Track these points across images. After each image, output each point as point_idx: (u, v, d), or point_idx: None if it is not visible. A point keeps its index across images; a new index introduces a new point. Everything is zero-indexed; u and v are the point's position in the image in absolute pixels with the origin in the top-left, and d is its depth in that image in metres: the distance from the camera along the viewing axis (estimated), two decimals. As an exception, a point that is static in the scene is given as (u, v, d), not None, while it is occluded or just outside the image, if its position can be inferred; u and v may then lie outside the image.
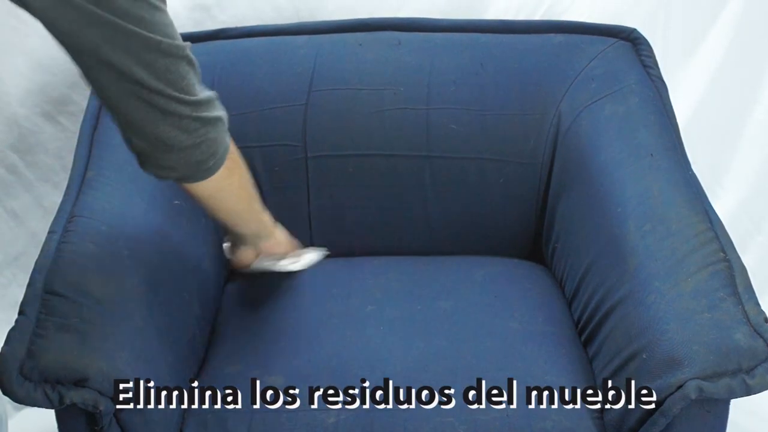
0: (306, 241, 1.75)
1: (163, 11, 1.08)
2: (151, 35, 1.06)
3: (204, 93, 1.15)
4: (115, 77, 1.06)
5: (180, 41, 1.10)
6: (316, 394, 1.36)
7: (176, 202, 1.52)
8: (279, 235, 1.52)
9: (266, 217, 1.47)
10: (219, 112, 1.18)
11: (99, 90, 1.10)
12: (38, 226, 1.93)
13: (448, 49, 1.70)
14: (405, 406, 1.35)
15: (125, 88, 1.07)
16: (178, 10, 1.78)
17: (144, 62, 1.06)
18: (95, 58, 1.05)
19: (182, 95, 1.10)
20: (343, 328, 1.50)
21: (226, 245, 1.54)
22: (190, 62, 1.12)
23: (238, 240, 1.49)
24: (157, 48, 1.06)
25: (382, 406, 1.34)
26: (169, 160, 1.15)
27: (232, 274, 1.73)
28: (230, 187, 1.27)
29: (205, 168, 1.18)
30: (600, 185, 1.50)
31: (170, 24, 1.09)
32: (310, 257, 1.60)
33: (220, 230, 1.66)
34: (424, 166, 1.69)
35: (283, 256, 1.54)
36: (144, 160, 1.16)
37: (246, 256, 1.50)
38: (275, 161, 1.69)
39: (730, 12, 1.87)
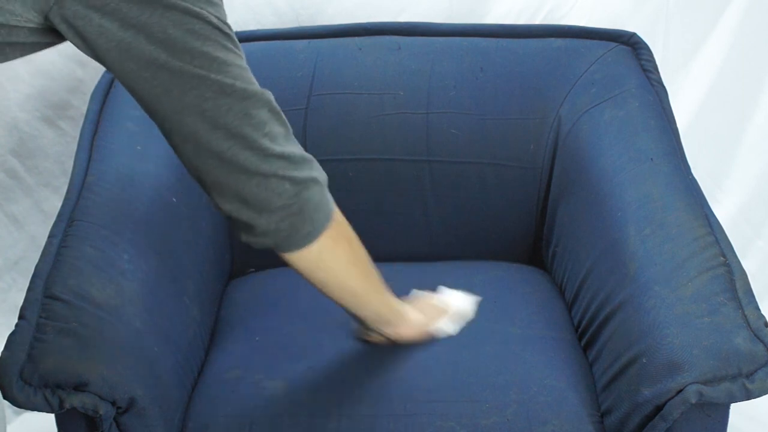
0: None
1: (236, 53, 1.03)
2: (223, 81, 1.01)
3: (296, 148, 1.09)
4: (191, 122, 1.01)
5: (259, 88, 1.05)
6: (317, 400, 1.36)
7: (174, 199, 1.51)
8: (411, 318, 1.39)
9: (390, 300, 1.33)
10: (314, 172, 1.11)
11: (181, 155, 1.06)
12: (38, 230, 1.93)
13: (448, 54, 1.70)
14: (406, 410, 1.34)
15: (203, 139, 1.02)
16: (179, 14, 1.78)
17: (220, 106, 1.01)
18: (165, 104, 1.01)
19: (265, 143, 1.04)
20: (344, 334, 1.50)
21: (356, 326, 1.43)
22: (272, 110, 1.06)
23: (361, 323, 1.37)
24: (233, 92, 1.02)
25: (383, 411, 1.34)
26: (259, 225, 1.08)
27: (231, 279, 1.73)
28: (336, 261, 1.18)
29: (302, 234, 1.11)
30: (600, 189, 1.50)
31: (245, 69, 1.04)
32: (460, 313, 1.49)
33: (220, 234, 1.66)
34: (424, 170, 1.69)
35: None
36: (236, 225, 1.10)
37: (375, 340, 1.40)
38: (275, 166, 1.69)
39: (731, 17, 1.88)
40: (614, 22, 1.82)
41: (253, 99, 1.04)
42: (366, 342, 1.44)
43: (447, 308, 1.47)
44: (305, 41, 1.71)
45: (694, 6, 1.87)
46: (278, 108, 1.08)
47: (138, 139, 1.54)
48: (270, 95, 1.07)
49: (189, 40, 0.98)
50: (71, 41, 1.00)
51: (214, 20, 1.01)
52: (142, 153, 1.51)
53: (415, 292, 1.50)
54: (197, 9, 0.99)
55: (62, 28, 0.98)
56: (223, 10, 1.04)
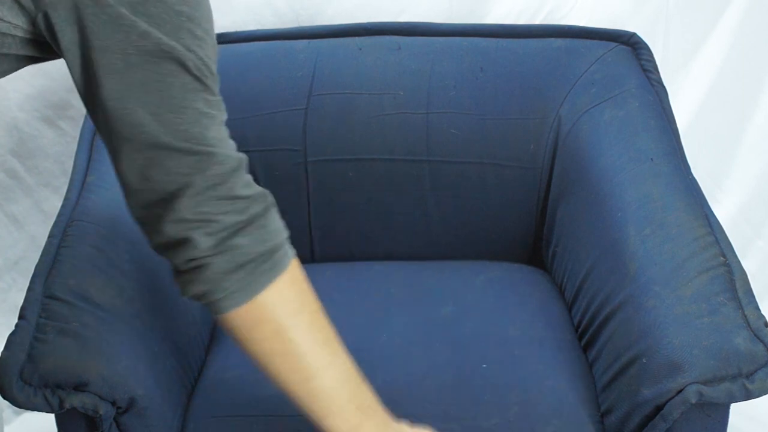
0: (306, 245, 1.75)
1: (210, 104, 0.97)
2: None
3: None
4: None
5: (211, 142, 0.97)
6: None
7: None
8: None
9: (376, 416, 1.11)
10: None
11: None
12: (38, 230, 1.93)
13: (448, 54, 1.70)
14: (406, 412, 1.34)
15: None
16: (179, 14, 1.78)
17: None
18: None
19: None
20: (343, 333, 1.49)
21: None
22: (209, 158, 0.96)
23: None
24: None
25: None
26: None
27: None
28: (283, 308, 1.03)
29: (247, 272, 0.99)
30: (600, 189, 1.50)
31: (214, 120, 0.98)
32: None
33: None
34: (424, 170, 1.69)
35: None
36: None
37: None
38: (275, 166, 1.69)
39: (731, 17, 1.88)
40: (614, 22, 1.82)
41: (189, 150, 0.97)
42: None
43: None
44: (305, 41, 1.71)
45: (694, 6, 1.87)
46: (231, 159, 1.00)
47: (138, 139, 1.54)
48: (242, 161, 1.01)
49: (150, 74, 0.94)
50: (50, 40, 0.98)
51: (190, 63, 0.94)
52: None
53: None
54: (171, 44, 0.93)
55: (44, 28, 0.95)
56: (213, 48, 0.98)
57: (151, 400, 1.25)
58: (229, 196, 0.98)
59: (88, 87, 0.96)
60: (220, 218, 0.98)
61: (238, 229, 0.99)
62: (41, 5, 0.94)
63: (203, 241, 0.98)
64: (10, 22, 0.95)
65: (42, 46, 1.00)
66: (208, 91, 0.97)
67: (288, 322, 1.04)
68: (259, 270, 1.01)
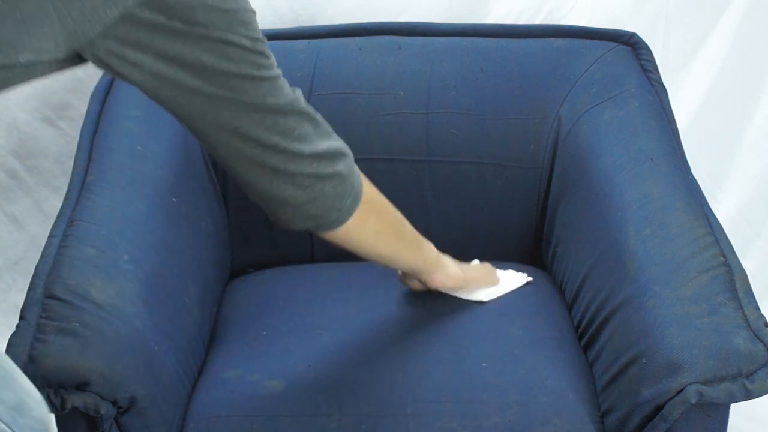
0: (306, 245, 1.75)
1: (266, 67, 1.08)
2: (253, 101, 1.05)
3: (325, 144, 1.14)
4: (225, 137, 1.06)
5: (288, 97, 1.09)
6: (317, 399, 1.36)
7: (174, 199, 1.51)
8: (448, 270, 1.49)
9: (426, 252, 1.43)
10: (338, 166, 1.16)
11: (215, 155, 1.11)
12: (38, 230, 1.93)
13: (448, 54, 1.70)
14: (407, 411, 1.34)
15: (235, 147, 1.08)
16: (179, 14, 1.78)
17: (251, 121, 1.06)
18: (200, 123, 1.06)
19: (294, 146, 1.09)
20: (344, 333, 1.50)
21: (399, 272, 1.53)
22: (301, 112, 1.10)
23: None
24: (263, 108, 1.06)
25: (384, 411, 1.34)
26: (285, 215, 1.16)
27: (231, 279, 1.73)
28: (364, 235, 1.26)
29: (328, 221, 1.18)
30: (600, 189, 1.50)
31: (275, 80, 1.08)
32: (505, 286, 1.58)
33: (220, 234, 1.66)
34: (424, 170, 1.69)
35: (475, 287, 1.55)
36: (268, 214, 1.18)
37: (415, 287, 1.52)
38: (275, 166, 1.69)
39: (731, 17, 1.88)
40: (614, 22, 1.82)
41: (281, 111, 1.08)
42: (408, 289, 1.55)
43: (496, 280, 1.57)
44: (305, 41, 1.71)
45: (694, 6, 1.87)
46: (306, 107, 1.12)
47: (138, 139, 1.54)
48: (299, 96, 1.11)
49: (221, 66, 1.02)
50: (104, 71, 1.03)
51: (247, 43, 1.04)
52: (142, 153, 1.51)
53: (476, 261, 1.58)
54: (230, 37, 1.02)
55: (95, 62, 1.00)
56: (255, 22, 1.07)
57: (152, 400, 1.25)
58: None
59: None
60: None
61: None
62: (96, 49, 0.97)
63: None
64: (52, 52, 0.96)
65: (72, 62, 1.01)
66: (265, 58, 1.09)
67: (383, 203, 1.30)
68: (357, 180, 1.20)
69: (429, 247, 1.44)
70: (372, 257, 1.34)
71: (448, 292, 1.52)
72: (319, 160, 1.13)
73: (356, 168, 1.21)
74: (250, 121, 1.06)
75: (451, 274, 1.49)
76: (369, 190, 1.24)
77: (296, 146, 1.10)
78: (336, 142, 1.16)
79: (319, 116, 1.14)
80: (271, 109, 1.07)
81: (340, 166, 1.16)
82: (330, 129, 1.17)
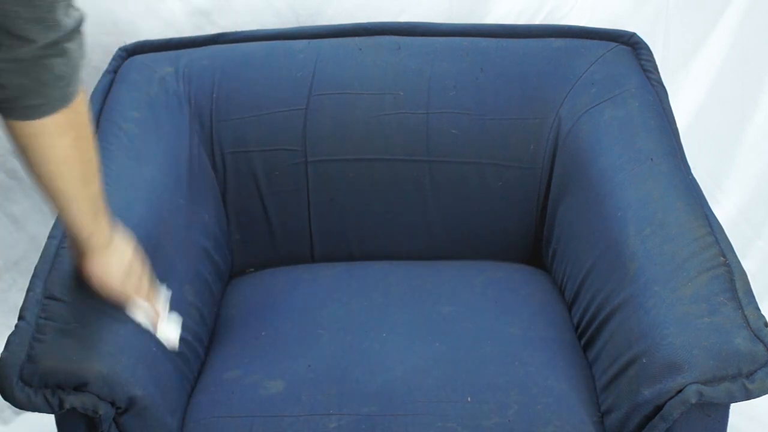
0: (306, 245, 1.76)
1: None
2: None
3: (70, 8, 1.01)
4: None
5: None
6: (317, 399, 1.36)
7: (173, 199, 1.52)
8: (119, 256, 1.25)
9: (102, 224, 1.21)
10: (72, 42, 1.02)
11: None
12: (38, 230, 1.93)
13: (448, 54, 1.70)
14: (407, 411, 1.34)
15: None
16: (178, 15, 1.78)
17: None
18: None
19: None
20: (344, 333, 1.50)
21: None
22: None
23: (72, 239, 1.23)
24: None
25: (384, 411, 1.34)
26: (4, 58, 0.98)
27: (231, 279, 1.73)
28: (55, 147, 1.07)
29: (28, 104, 1.02)
30: (600, 189, 1.50)
31: None
32: (164, 333, 1.34)
33: (220, 234, 1.66)
34: (424, 170, 1.69)
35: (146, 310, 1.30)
36: None
37: (78, 262, 1.24)
38: (275, 166, 1.69)
39: (731, 17, 1.88)
40: (614, 22, 1.82)
41: None
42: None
43: (157, 309, 1.34)
44: (305, 41, 1.72)
45: (694, 6, 1.87)
46: None
47: (137, 140, 1.54)
48: None
49: None
50: None
51: None
52: (141, 154, 1.51)
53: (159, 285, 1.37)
54: None
55: None
56: None
57: (151, 401, 1.25)
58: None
59: None
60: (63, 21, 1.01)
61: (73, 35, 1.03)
62: None
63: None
64: None
65: None
66: None
67: (85, 131, 1.12)
68: (75, 81, 1.05)
69: (105, 222, 1.22)
70: (47, 182, 1.11)
71: (106, 291, 1.25)
72: (65, 25, 1.00)
73: (82, 63, 1.06)
74: None
75: (117, 271, 1.24)
76: (83, 102, 1.08)
77: None
78: (76, 12, 1.03)
79: None
80: None
81: (73, 44, 1.02)
82: None
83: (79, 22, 1.03)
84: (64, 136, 1.07)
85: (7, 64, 1.00)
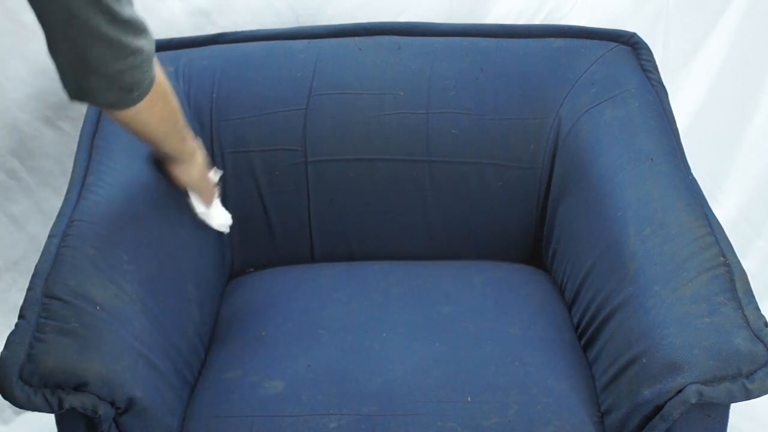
0: (306, 245, 1.75)
1: None
2: None
3: (134, 11, 1.12)
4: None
5: None
6: (317, 399, 1.36)
7: (173, 199, 1.51)
8: (199, 166, 1.51)
9: (189, 143, 1.46)
10: (144, 41, 1.14)
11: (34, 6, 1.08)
12: (38, 230, 1.93)
13: (448, 54, 1.70)
14: (407, 410, 1.34)
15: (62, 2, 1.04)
16: (178, 15, 1.78)
17: None
18: None
19: (115, 6, 1.07)
20: (344, 333, 1.50)
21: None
22: None
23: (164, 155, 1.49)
24: None
25: (384, 411, 1.34)
26: (91, 83, 1.12)
27: (231, 279, 1.73)
28: (150, 117, 1.26)
29: (130, 97, 1.17)
30: (600, 189, 1.50)
31: None
32: (219, 219, 1.62)
33: (220, 234, 1.66)
34: (424, 170, 1.69)
35: (207, 202, 1.57)
36: (64, 79, 1.13)
37: (170, 173, 1.50)
38: (275, 165, 1.69)
39: (731, 17, 1.87)
40: (614, 22, 1.82)
41: None
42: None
43: (213, 202, 1.61)
44: (305, 41, 1.71)
45: (694, 6, 1.87)
46: None
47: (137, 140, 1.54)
48: None
49: None
50: None
51: None
52: (141, 153, 1.51)
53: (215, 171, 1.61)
54: None
55: None
56: None
57: (151, 401, 1.25)
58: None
59: None
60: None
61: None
62: None
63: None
64: None
65: None
66: None
67: (168, 90, 1.30)
68: (152, 68, 1.19)
69: (192, 140, 1.48)
70: (146, 139, 1.36)
71: (188, 187, 1.54)
72: (133, 30, 1.11)
73: (153, 58, 1.20)
74: None
75: (197, 173, 1.52)
76: (160, 72, 1.24)
77: (116, 6, 1.07)
78: (138, 14, 1.13)
79: None
80: None
81: (144, 42, 1.14)
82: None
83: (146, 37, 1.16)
84: (155, 107, 1.24)
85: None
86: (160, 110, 1.27)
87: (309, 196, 1.71)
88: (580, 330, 1.50)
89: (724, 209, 2.00)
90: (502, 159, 1.68)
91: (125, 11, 1.09)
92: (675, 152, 1.50)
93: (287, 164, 1.69)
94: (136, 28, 1.12)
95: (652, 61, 1.68)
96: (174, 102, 1.33)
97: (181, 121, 1.39)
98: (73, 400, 1.17)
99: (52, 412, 1.19)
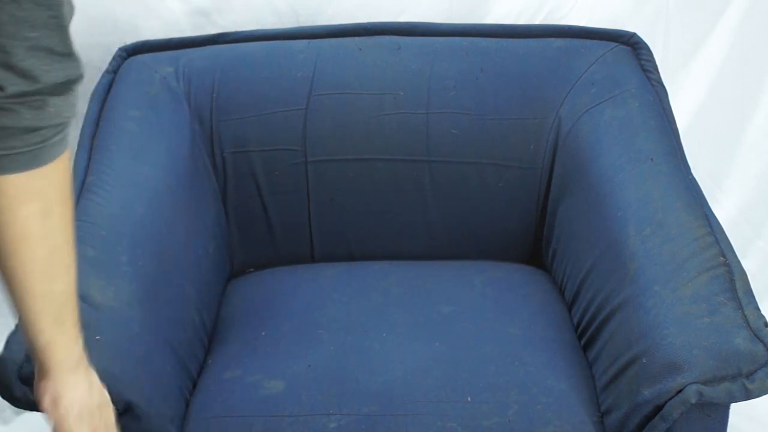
0: (306, 245, 1.75)
1: None
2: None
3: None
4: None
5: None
6: (317, 399, 1.36)
7: (173, 199, 1.51)
8: (87, 380, 1.03)
9: (68, 331, 0.99)
10: (73, 96, 0.89)
11: None
12: (38, 230, 1.92)
13: (448, 54, 1.70)
14: (407, 410, 1.34)
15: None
16: (178, 15, 1.78)
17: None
18: None
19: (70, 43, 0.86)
20: (344, 333, 1.50)
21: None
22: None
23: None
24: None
25: (384, 411, 1.34)
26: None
27: (231, 279, 1.73)
28: (20, 215, 0.89)
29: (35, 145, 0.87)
30: (600, 189, 1.50)
31: None
32: None
33: (220, 235, 1.66)
34: (424, 170, 1.69)
35: None
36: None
37: (41, 389, 1.00)
38: (275, 166, 1.69)
39: (731, 17, 1.88)
40: (614, 22, 1.82)
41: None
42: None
43: None
44: (305, 41, 1.72)
45: (694, 6, 1.87)
46: None
47: (138, 140, 1.54)
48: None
49: None
50: None
51: None
52: (141, 153, 1.51)
53: None
54: None
55: None
56: None
57: (149, 403, 1.25)
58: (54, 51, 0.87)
59: None
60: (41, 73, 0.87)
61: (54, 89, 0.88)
62: None
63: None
64: None
65: None
66: None
67: (58, 208, 0.92)
68: (52, 140, 0.89)
69: (74, 336, 0.99)
70: (21, 270, 0.91)
71: (47, 422, 1.02)
72: (42, 79, 0.86)
73: (68, 122, 0.92)
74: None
75: (67, 402, 0.98)
76: (62, 171, 0.92)
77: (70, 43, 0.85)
78: (70, 67, 0.89)
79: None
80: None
81: (57, 99, 0.88)
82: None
83: (72, 79, 0.89)
84: (26, 204, 0.88)
85: None
86: (34, 217, 0.90)
87: (309, 196, 1.71)
88: (580, 330, 1.50)
89: (724, 209, 2.00)
90: (502, 159, 1.68)
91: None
92: (675, 152, 1.50)
93: (287, 164, 1.69)
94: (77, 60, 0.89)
95: (652, 61, 1.68)
96: (65, 239, 0.95)
97: (67, 287, 0.96)
98: (73, 401, 1.17)
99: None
